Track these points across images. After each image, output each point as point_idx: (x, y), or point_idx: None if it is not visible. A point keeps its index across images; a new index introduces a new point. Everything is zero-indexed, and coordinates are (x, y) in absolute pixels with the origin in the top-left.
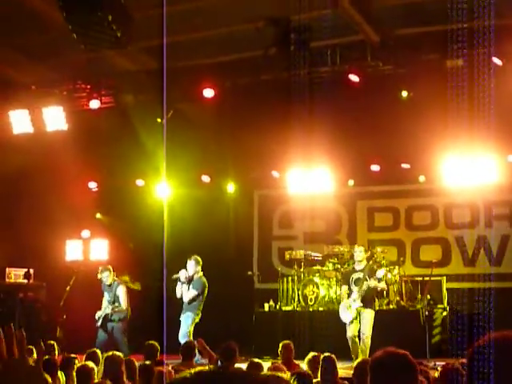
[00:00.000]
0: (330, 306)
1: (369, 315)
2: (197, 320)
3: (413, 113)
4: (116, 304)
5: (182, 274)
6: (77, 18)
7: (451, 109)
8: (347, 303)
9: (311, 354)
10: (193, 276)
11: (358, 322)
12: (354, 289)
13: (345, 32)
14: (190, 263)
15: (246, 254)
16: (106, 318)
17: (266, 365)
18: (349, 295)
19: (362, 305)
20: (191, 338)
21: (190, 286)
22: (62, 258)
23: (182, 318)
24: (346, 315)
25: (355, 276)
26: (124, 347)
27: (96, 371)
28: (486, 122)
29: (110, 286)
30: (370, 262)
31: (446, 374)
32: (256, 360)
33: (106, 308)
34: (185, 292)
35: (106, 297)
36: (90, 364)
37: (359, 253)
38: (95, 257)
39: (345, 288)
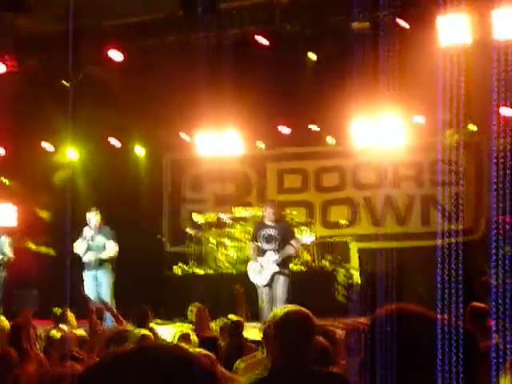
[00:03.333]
0: (240, 267)
1: (287, 279)
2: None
3: (321, 75)
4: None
5: (87, 230)
6: None
7: (357, 71)
8: (259, 263)
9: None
10: (100, 226)
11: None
12: (266, 247)
13: None
14: (91, 214)
15: (157, 217)
16: None
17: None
18: (259, 253)
19: (278, 269)
20: (113, 299)
21: (104, 238)
22: None
23: (99, 274)
24: (259, 277)
25: (266, 232)
26: None
27: None
28: (392, 84)
29: None
30: (283, 219)
31: (349, 334)
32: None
33: None
34: (98, 243)
35: None
36: None
37: (272, 214)
38: (1, 222)
39: (253, 245)
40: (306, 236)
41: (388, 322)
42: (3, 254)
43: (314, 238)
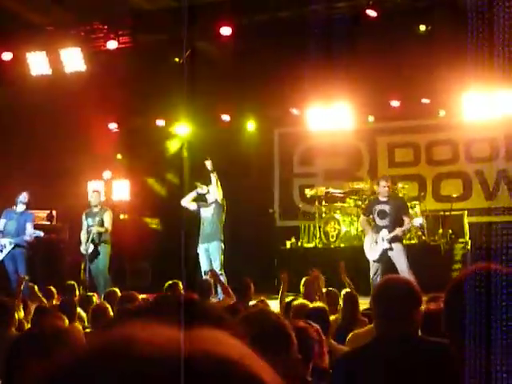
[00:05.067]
0: (352, 242)
1: (400, 250)
2: (223, 247)
3: (431, 47)
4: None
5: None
6: None
7: (470, 42)
8: (373, 239)
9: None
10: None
11: (383, 261)
12: (380, 222)
13: None
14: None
15: (267, 192)
16: (95, 242)
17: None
18: (374, 229)
19: (389, 247)
20: (223, 271)
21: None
22: (83, 199)
23: (210, 248)
24: (371, 252)
25: (379, 208)
26: (106, 270)
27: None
28: (505, 54)
29: (96, 211)
30: (397, 195)
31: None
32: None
33: (91, 235)
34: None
35: (88, 223)
36: (105, 304)
37: (384, 187)
38: (117, 197)
39: (365, 218)
40: (415, 219)
41: (477, 280)
42: (103, 225)
43: (422, 221)
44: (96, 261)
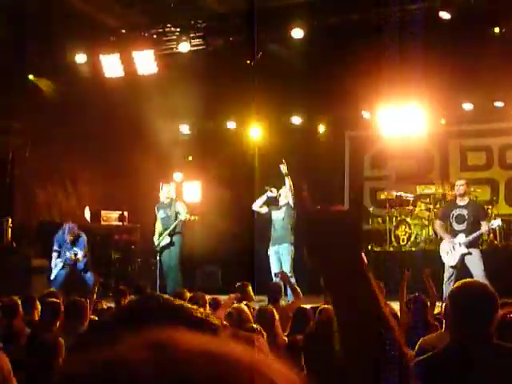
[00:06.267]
0: (423, 246)
1: (477, 255)
2: (293, 250)
3: (505, 49)
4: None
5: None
6: None
7: None
8: (451, 244)
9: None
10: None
11: (459, 267)
12: (457, 227)
13: None
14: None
15: (338, 194)
16: (170, 233)
17: None
18: (452, 234)
19: (467, 251)
20: (293, 273)
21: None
22: (154, 201)
23: (280, 250)
24: (448, 258)
25: (457, 212)
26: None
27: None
28: None
29: (167, 203)
30: (476, 199)
31: None
32: None
33: (168, 225)
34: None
35: (161, 214)
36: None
37: (461, 186)
38: (188, 199)
39: (440, 223)
40: (493, 221)
41: None
42: (177, 218)
43: (500, 222)
44: (168, 252)
